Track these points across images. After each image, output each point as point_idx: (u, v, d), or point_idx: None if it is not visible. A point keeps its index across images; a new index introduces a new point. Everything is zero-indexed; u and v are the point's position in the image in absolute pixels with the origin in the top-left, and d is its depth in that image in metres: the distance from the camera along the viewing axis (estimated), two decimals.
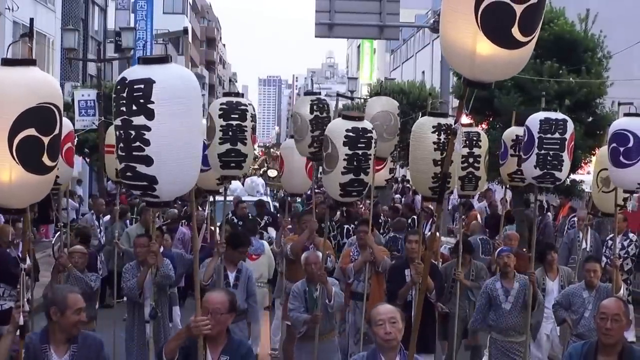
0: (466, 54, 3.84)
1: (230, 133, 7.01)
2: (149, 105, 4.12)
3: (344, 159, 6.77)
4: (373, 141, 6.94)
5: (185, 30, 5.84)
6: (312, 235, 9.27)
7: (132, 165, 4.22)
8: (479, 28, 3.74)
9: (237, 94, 7.51)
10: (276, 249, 10.73)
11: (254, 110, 7.42)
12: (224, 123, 7.04)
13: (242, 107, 7.10)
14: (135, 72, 4.23)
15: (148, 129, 4.13)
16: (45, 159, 4.27)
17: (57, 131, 4.30)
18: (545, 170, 7.24)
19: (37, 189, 4.40)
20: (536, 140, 7.20)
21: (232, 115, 7.02)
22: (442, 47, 4.05)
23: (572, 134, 7.41)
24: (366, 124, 7.00)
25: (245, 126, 7.08)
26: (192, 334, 4.76)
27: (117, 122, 4.24)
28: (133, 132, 4.15)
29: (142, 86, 4.12)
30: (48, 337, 4.75)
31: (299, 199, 20.27)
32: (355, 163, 6.80)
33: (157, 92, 4.12)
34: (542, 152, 7.20)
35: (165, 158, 4.19)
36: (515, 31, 3.77)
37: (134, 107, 4.13)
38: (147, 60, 4.32)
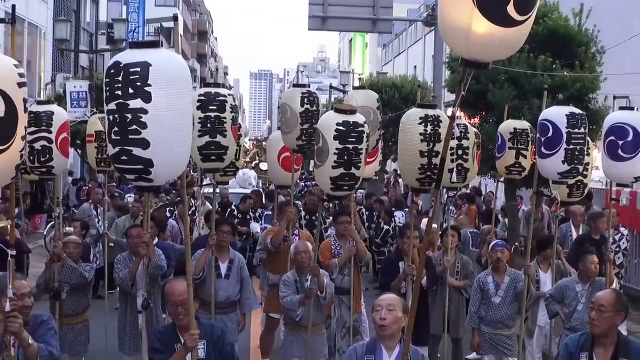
0: (462, 32, 3.88)
1: (209, 125, 6.83)
2: (146, 88, 4.11)
3: (335, 153, 6.59)
4: (365, 135, 6.72)
5: (176, 17, 5.59)
6: (290, 225, 9.09)
7: (127, 149, 4.20)
8: (475, 6, 3.78)
9: (218, 85, 7.31)
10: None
11: (235, 101, 7.20)
12: (202, 115, 6.86)
13: (221, 98, 6.93)
14: (130, 56, 4.21)
15: (145, 112, 4.13)
16: None
17: (1, 114, 4.17)
18: (573, 166, 7.19)
19: None
20: (564, 136, 7.10)
21: (211, 107, 6.85)
22: (439, 25, 4.10)
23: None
24: (358, 117, 6.75)
25: (225, 118, 6.91)
26: (189, 349, 4.80)
27: (111, 106, 4.20)
28: (130, 116, 4.14)
29: (139, 69, 4.11)
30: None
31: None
32: (345, 157, 6.61)
33: (154, 75, 4.11)
34: (571, 147, 7.13)
35: (161, 141, 4.18)
36: (511, 9, 3.80)
37: (131, 91, 4.12)
38: (139, 45, 4.32)
